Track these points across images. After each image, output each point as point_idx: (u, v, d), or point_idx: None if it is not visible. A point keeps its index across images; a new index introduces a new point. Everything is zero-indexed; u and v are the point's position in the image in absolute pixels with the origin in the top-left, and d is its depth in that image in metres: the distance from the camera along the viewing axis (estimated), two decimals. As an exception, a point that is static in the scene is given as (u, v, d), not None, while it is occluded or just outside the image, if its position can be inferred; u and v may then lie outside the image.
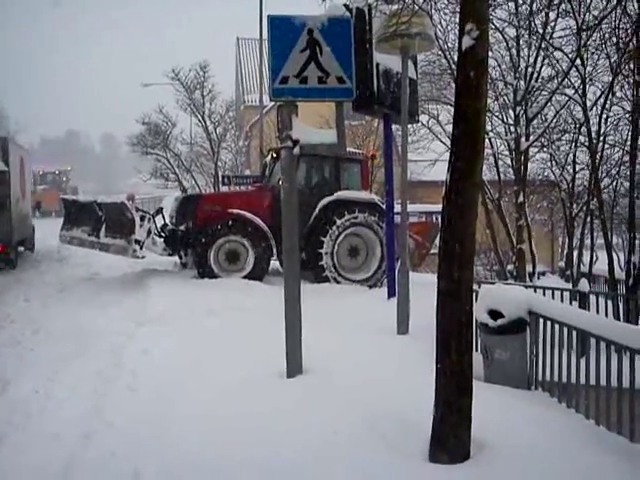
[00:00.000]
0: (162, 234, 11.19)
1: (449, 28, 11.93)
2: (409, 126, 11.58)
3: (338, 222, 10.56)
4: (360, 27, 7.72)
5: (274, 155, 11.45)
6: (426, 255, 11.98)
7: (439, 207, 3.98)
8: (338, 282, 10.49)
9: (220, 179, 18.82)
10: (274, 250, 10.74)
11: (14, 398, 4.99)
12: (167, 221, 11.56)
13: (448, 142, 12.15)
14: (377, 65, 8.16)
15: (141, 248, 10.38)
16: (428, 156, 16.13)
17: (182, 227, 11.06)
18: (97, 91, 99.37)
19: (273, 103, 19.72)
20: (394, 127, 11.31)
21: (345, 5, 7.36)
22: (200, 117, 21.56)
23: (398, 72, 7.86)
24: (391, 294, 8.19)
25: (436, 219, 14.38)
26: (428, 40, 6.85)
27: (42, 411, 4.70)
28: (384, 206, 11.09)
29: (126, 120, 27.44)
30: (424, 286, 7.50)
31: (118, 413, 4.54)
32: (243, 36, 37.16)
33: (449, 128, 12.08)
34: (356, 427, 3.86)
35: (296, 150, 4.99)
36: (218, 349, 5.98)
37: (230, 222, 10.64)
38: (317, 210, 10.74)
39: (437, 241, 12.13)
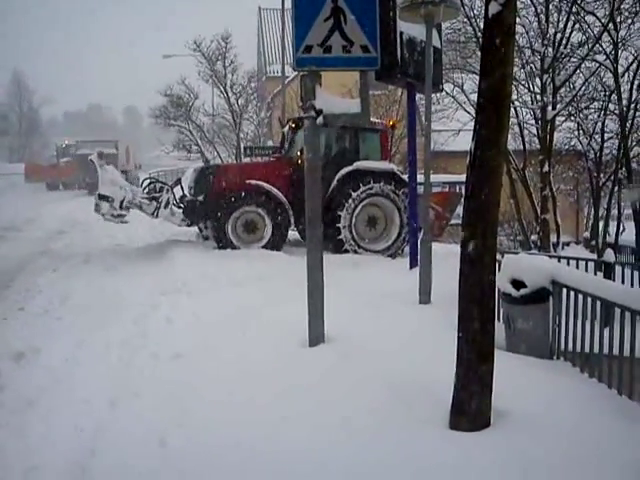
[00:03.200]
0: (181, 205, 11.25)
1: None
2: (433, 95, 11.41)
3: (354, 195, 10.52)
4: (384, -6, 7.57)
5: (292, 125, 11.42)
6: (446, 225, 11.81)
7: (463, 177, 3.95)
8: (358, 253, 10.49)
9: (242, 150, 18.84)
10: (291, 220, 10.77)
11: (44, 365, 5.12)
12: (186, 192, 11.60)
13: (473, 111, 11.96)
14: (401, 34, 8.02)
15: (121, 207, 10.41)
16: (452, 125, 15.92)
17: (200, 198, 11.08)
18: (119, 64, 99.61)
19: (295, 74, 19.59)
20: (418, 96, 11.15)
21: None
22: (222, 88, 21.54)
23: (422, 41, 7.71)
24: (413, 264, 8.18)
25: (460, 189, 14.21)
26: (453, 7, 6.70)
27: (71, 378, 4.82)
28: (404, 176, 11.06)
29: (148, 92, 27.51)
30: (445, 256, 7.50)
31: (143, 381, 4.64)
32: (265, 6, 36.71)
33: (474, 97, 11.89)
34: (378, 395, 3.90)
35: (319, 120, 4.95)
36: (240, 318, 6.05)
37: (247, 192, 10.66)
38: (335, 181, 10.70)
39: (459, 211, 12.05)
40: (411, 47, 8.27)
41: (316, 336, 4.95)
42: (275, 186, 10.78)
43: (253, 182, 10.77)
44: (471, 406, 3.45)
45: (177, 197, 11.33)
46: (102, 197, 10.43)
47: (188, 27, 26.56)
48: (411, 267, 8.26)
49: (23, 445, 3.70)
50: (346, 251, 10.50)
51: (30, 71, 79.03)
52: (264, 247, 10.50)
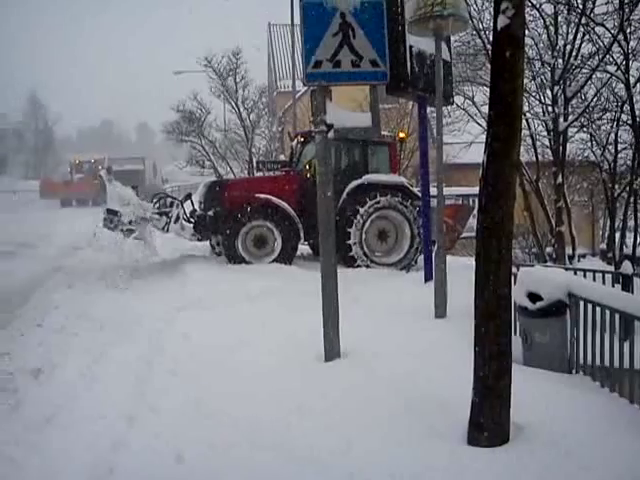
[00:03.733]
0: (191, 220, 11.30)
1: (484, 7, 11.71)
2: (444, 108, 11.43)
3: (362, 210, 10.49)
4: (392, 9, 7.62)
5: (301, 139, 11.48)
6: (458, 238, 11.71)
7: (476, 190, 3.94)
8: (367, 266, 10.46)
9: (254, 165, 18.93)
10: (301, 234, 10.77)
11: (61, 380, 5.15)
12: (196, 207, 11.66)
13: (484, 123, 11.95)
14: (410, 47, 8.06)
15: (130, 222, 10.48)
16: (464, 138, 15.90)
17: (210, 213, 11.13)
18: (131, 80, 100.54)
19: (306, 88, 19.70)
20: (429, 109, 11.19)
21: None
22: (234, 104, 21.67)
23: (432, 54, 7.74)
24: (428, 277, 8.15)
25: (473, 202, 14.17)
26: (462, 21, 6.73)
27: (88, 393, 4.84)
28: (414, 188, 11.05)
29: (161, 108, 27.77)
30: (460, 269, 7.47)
31: (160, 396, 4.64)
32: (275, 22, 37.05)
33: (485, 109, 11.88)
34: (395, 410, 3.89)
35: (330, 134, 4.98)
36: (256, 333, 6.06)
37: (256, 207, 10.69)
38: (344, 194, 10.71)
39: (471, 223, 11.96)
40: (421, 60, 8.30)
41: (332, 351, 4.94)
42: (284, 200, 10.80)
43: (261, 196, 10.81)
44: (489, 421, 3.43)
45: (188, 212, 11.37)
46: (110, 212, 10.58)
47: (199, 44, 26.78)
48: (426, 280, 8.23)
49: (42, 461, 3.71)
50: (358, 266, 10.47)
51: (44, 90, 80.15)
52: (275, 261, 10.53)
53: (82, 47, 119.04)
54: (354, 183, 10.73)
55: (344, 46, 4.95)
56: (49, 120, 62.50)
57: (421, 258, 9.46)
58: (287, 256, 10.65)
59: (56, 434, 4.09)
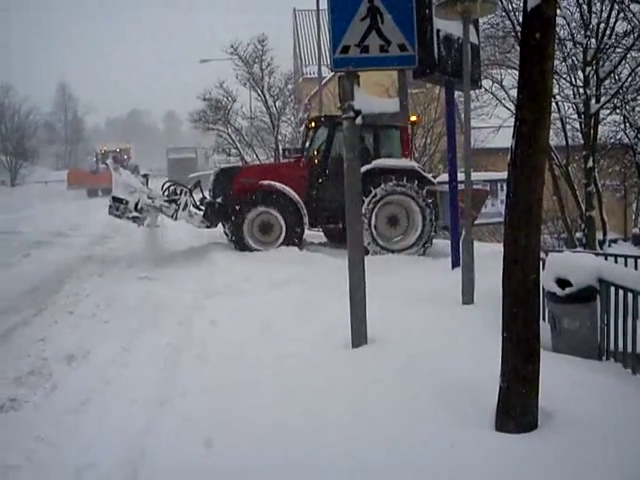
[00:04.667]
0: (200, 207, 11.47)
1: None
2: (472, 92, 11.28)
3: (371, 194, 10.45)
4: (420, -8, 7.52)
5: (311, 125, 11.57)
6: (472, 224, 11.48)
7: (504, 174, 3.90)
8: (376, 253, 10.45)
9: (280, 152, 18.96)
10: (305, 219, 10.82)
11: (94, 366, 5.27)
12: (206, 194, 11.81)
13: (513, 107, 11.77)
14: (438, 31, 7.95)
15: (136, 209, 10.71)
16: (492, 122, 15.70)
17: (219, 200, 11.28)
18: (158, 70, 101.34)
19: (332, 74, 19.60)
20: (457, 93, 11.05)
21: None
22: (259, 91, 21.68)
23: (459, 37, 7.64)
24: (455, 264, 8.10)
25: (501, 186, 13.95)
26: (491, 2, 6.60)
27: (120, 379, 4.94)
28: (425, 173, 10.96)
29: (187, 97, 27.94)
30: (487, 256, 7.41)
31: (189, 382, 4.72)
32: (300, 7, 36.87)
33: (514, 93, 11.70)
34: (423, 396, 3.89)
35: (358, 120, 4.95)
36: (282, 320, 6.10)
37: (261, 193, 10.80)
38: None
39: (499, 209, 11.74)
40: (448, 44, 8.19)
41: (358, 337, 4.95)
42: (291, 186, 10.87)
43: (265, 183, 10.90)
44: (517, 407, 3.40)
45: (197, 199, 11.57)
46: (116, 199, 10.80)
47: (224, 32, 26.89)
48: (453, 267, 8.18)
49: (77, 443, 3.81)
50: (366, 252, 10.48)
51: (74, 81, 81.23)
52: (281, 246, 10.66)
53: (109, 38, 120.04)
54: (363, 168, 10.70)
55: (372, 31, 4.90)
56: (78, 111, 63.47)
57: (447, 243, 9.40)
58: (292, 242, 10.74)
59: (90, 417, 4.20)
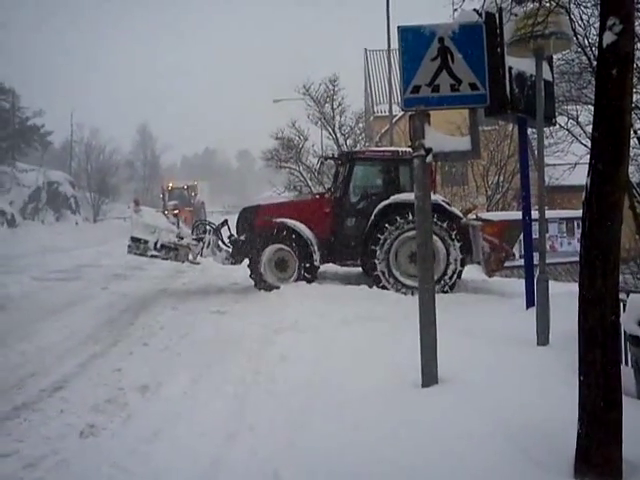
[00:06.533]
0: (228, 245, 11.80)
1: (590, 22, 11.24)
2: (546, 129, 11.08)
3: (389, 228, 10.40)
4: (491, 31, 7.52)
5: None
6: (506, 258, 10.69)
7: (580, 212, 3.79)
8: (397, 290, 10.31)
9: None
10: (315, 256, 10.87)
11: (165, 398, 5.41)
12: (233, 232, 12.11)
13: (589, 144, 11.45)
14: (510, 68, 7.89)
15: (155, 248, 11.35)
16: (567, 159, 15.28)
17: (242, 237, 11.60)
18: (232, 109, 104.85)
19: (402, 112, 19.72)
20: (530, 130, 10.86)
21: (475, 10, 7.22)
22: (331, 130, 22.07)
23: (532, 74, 7.56)
24: (529, 303, 7.84)
25: (577, 225, 13.46)
26: (565, 39, 6.52)
27: (190, 411, 5.04)
28: (450, 207, 10.75)
29: (260, 136, 28.73)
30: (563, 295, 7.13)
31: (258, 416, 4.76)
32: (371, 47, 37.52)
33: (590, 129, 11.40)
34: (496, 440, 3.76)
35: (429, 158, 4.96)
36: (352, 357, 6.07)
37: (275, 231, 11.01)
38: (372, 216, 10.69)
39: (575, 246, 11.21)
40: (521, 81, 8.10)
41: (429, 377, 4.87)
42: (309, 223, 11.07)
43: (279, 220, 11.11)
44: (597, 455, 3.24)
45: (226, 237, 11.92)
46: (134, 239, 11.49)
47: (297, 73, 27.64)
48: (527, 306, 7.92)
49: (150, 472, 3.91)
50: (384, 287, 10.39)
51: (153, 121, 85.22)
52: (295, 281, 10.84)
53: (187, 81, 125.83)
54: (382, 203, 10.67)
55: (443, 70, 4.95)
56: (156, 150, 66.48)
57: (520, 283, 9.13)
58: (304, 278, 10.87)
59: (163, 448, 4.30)
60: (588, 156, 3.76)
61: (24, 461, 4.23)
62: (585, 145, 12.99)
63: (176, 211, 21.32)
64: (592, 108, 3.42)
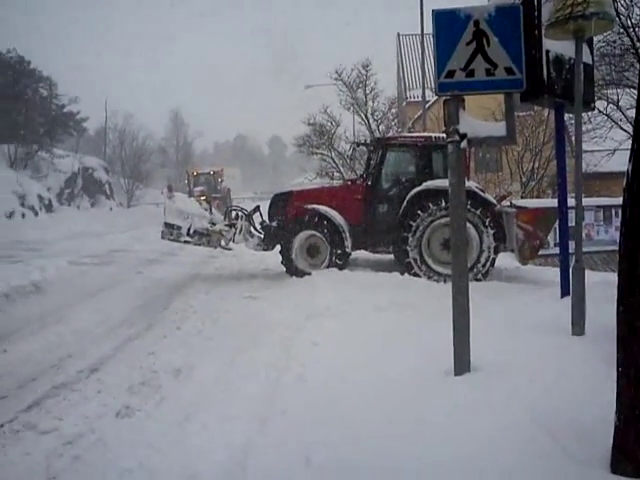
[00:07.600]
0: (260, 231, 11.91)
1: (633, 1, 10.88)
2: (584, 114, 10.81)
3: (422, 215, 10.36)
4: (528, 13, 7.34)
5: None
6: (541, 246, 10.50)
7: (618, 200, 3.69)
8: (430, 277, 10.30)
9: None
10: (347, 242, 10.89)
11: (198, 381, 5.48)
12: (265, 218, 12.19)
13: (630, 129, 11.14)
14: (547, 52, 7.70)
15: (191, 233, 11.48)
16: (606, 145, 14.92)
17: (274, 223, 11.68)
18: (265, 96, 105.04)
19: (436, 98, 19.49)
20: (567, 116, 10.61)
21: (512, -9, 7.05)
22: (363, 115, 21.94)
23: (571, 58, 7.36)
24: (564, 292, 7.71)
25: (616, 213, 13.17)
26: (607, 19, 6.31)
27: (222, 395, 5.10)
28: (484, 194, 10.60)
29: (292, 122, 28.74)
30: (599, 285, 7.02)
31: (289, 401, 4.79)
32: (404, 32, 37.10)
33: (631, 113, 11.08)
34: (528, 431, 3.70)
35: (464, 144, 4.89)
36: (384, 344, 6.06)
37: (306, 217, 11.05)
38: (405, 202, 10.62)
39: (614, 236, 10.93)
40: (558, 65, 7.89)
41: (461, 365, 4.83)
42: (341, 210, 11.07)
43: (310, 207, 11.13)
44: (636, 449, 3.17)
45: (258, 223, 12.04)
46: (168, 225, 11.64)
47: (329, 58, 27.55)
48: (562, 295, 7.79)
49: (182, 454, 3.98)
50: (416, 275, 10.36)
51: (185, 108, 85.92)
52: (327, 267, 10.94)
53: (221, 68, 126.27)
54: (415, 190, 10.59)
55: (478, 54, 4.85)
56: (188, 136, 67.10)
57: (554, 272, 8.97)
58: (335, 265, 10.92)
59: (195, 431, 4.37)
60: (628, 142, 3.65)
61: (64, 438, 4.37)
62: (626, 130, 12.66)
63: (203, 197, 21.58)
64: (634, 91, 3.32)
